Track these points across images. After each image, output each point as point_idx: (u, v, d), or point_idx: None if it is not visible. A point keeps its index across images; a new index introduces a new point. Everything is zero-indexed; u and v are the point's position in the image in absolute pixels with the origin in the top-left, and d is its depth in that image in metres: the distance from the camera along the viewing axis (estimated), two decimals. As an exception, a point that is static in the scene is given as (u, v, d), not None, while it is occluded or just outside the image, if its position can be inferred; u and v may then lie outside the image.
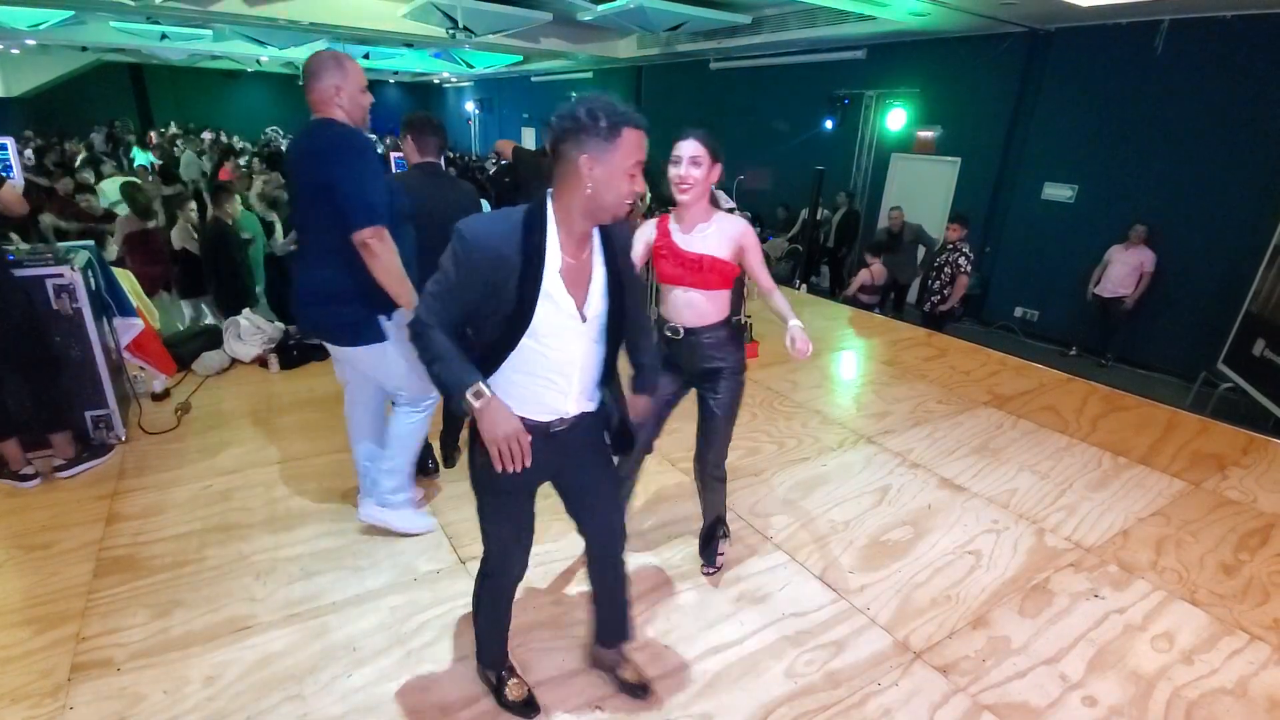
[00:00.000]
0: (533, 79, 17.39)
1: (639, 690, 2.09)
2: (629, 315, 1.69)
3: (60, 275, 3.18)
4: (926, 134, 9.25)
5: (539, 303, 1.51)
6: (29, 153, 11.43)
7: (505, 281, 1.48)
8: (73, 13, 9.68)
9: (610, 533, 1.94)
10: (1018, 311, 8.59)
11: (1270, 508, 3.34)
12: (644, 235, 2.28)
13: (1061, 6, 6.46)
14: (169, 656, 2.19)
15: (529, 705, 2.01)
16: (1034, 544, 2.98)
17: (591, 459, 1.83)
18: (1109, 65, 7.26)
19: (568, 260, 1.53)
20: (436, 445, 3.36)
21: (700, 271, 2.21)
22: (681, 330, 2.31)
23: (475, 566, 2.63)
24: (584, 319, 1.59)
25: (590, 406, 1.74)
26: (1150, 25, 6.76)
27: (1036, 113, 8.05)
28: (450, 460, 3.34)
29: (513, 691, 2.02)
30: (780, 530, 3.00)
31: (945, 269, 6.49)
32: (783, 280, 8.35)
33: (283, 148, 13.69)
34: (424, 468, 3.20)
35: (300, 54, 12.88)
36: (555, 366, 1.60)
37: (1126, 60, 7.09)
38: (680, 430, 2.81)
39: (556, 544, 2.83)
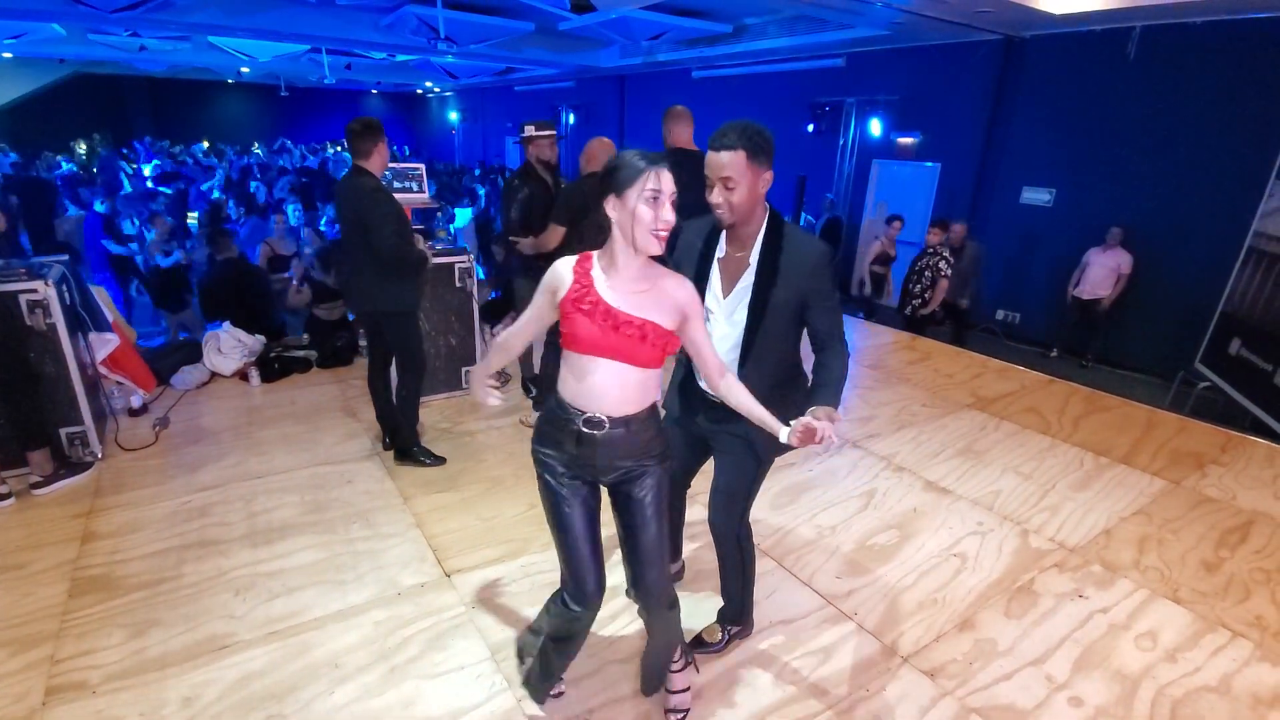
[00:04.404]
0: (516, 89, 17.40)
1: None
2: None
3: (34, 290, 3.13)
4: (906, 140, 9.35)
5: None
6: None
7: None
8: (51, 24, 9.58)
9: None
10: (999, 314, 8.67)
11: (1249, 504, 3.39)
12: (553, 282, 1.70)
13: (1035, 13, 6.56)
14: (146, 678, 2.14)
15: None
16: (1018, 545, 3.00)
17: None
18: (1083, 71, 7.37)
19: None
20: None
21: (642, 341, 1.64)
22: (606, 420, 1.69)
23: (460, 579, 2.62)
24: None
25: None
26: (1122, 32, 6.87)
27: (1014, 118, 8.15)
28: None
29: None
30: (767, 537, 3.00)
31: (926, 273, 6.54)
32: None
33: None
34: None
35: (280, 64, 12.83)
36: None
37: (1100, 66, 7.20)
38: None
39: (544, 554, 2.81)
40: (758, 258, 1.85)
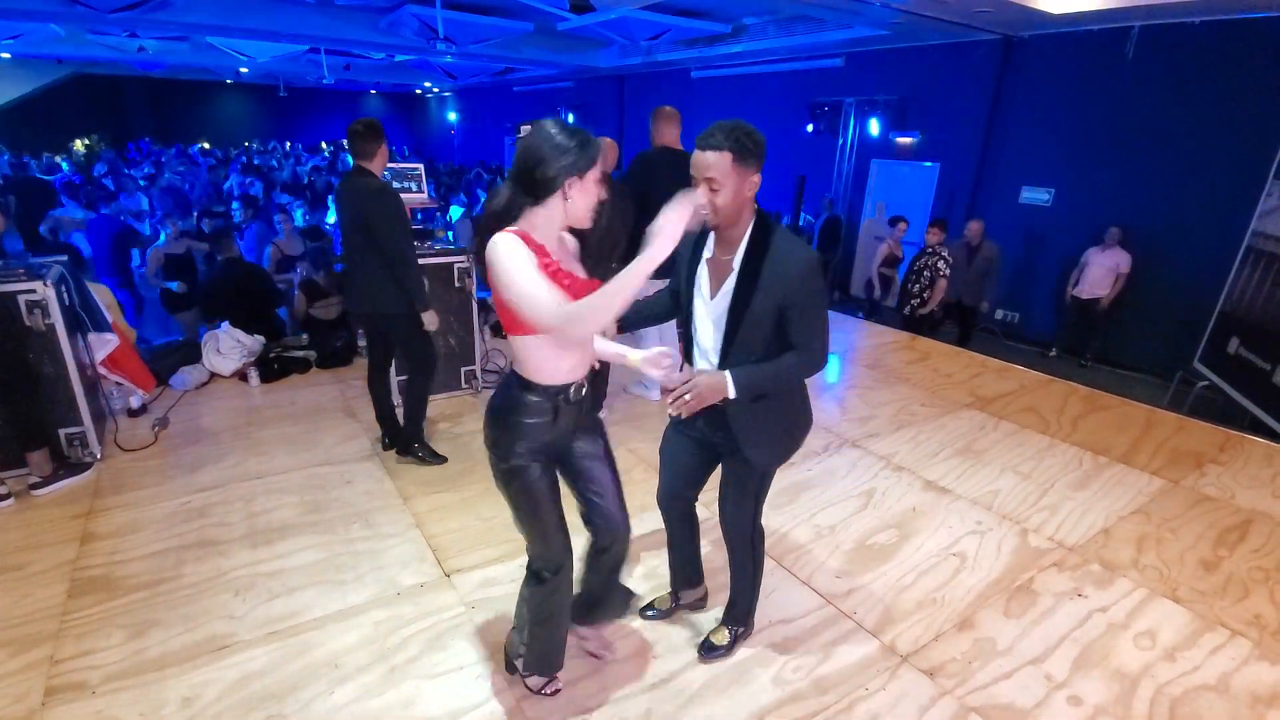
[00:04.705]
0: (515, 89, 17.40)
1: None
2: None
3: (32, 291, 3.13)
4: (905, 140, 9.36)
5: None
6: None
7: None
8: (49, 25, 9.56)
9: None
10: (999, 314, 8.67)
11: (1247, 504, 3.39)
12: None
13: (1034, 13, 6.56)
14: (145, 678, 2.14)
15: None
16: (1017, 544, 3.00)
17: None
18: (1082, 71, 7.38)
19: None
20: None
21: None
22: (585, 385, 1.83)
23: (459, 579, 2.62)
24: None
25: None
26: (1121, 32, 6.88)
27: (1012, 118, 8.16)
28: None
29: None
30: (767, 536, 2.98)
31: (925, 272, 6.55)
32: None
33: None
34: None
35: (279, 65, 12.83)
36: None
37: (1099, 66, 7.21)
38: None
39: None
40: (740, 263, 1.82)
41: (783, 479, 3.49)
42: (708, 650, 2.31)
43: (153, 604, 2.47)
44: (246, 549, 2.81)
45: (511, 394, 1.78)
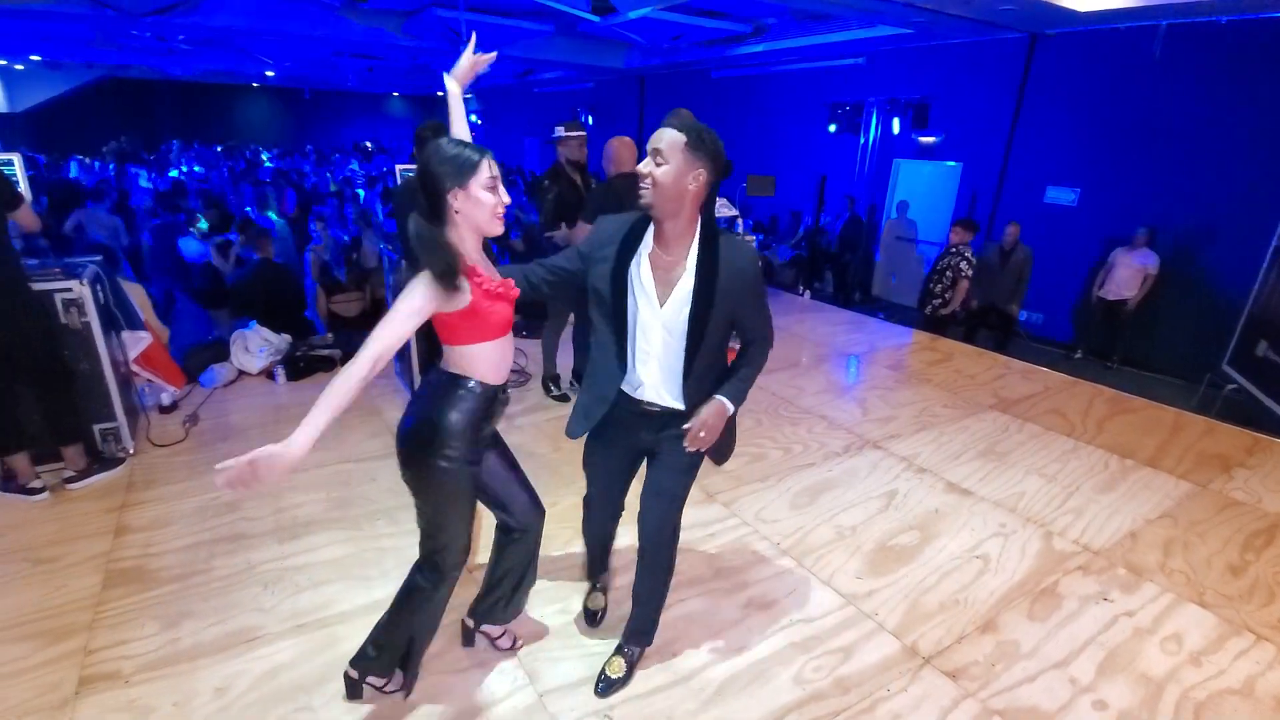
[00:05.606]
0: (535, 90, 17.49)
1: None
2: None
3: (69, 290, 3.21)
4: (927, 139, 9.28)
5: None
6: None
7: None
8: (80, 28, 9.78)
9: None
10: (1022, 315, 8.57)
11: (1275, 508, 3.33)
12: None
13: (1059, 10, 6.49)
14: (178, 668, 2.19)
15: None
16: (1042, 547, 2.98)
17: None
18: (1108, 69, 7.28)
19: None
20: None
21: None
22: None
23: (482, 575, 2.65)
24: None
25: None
26: (1148, 29, 6.78)
27: (1037, 117, 8.06)
28: None
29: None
30: (787, 536, 3.00)
31: (947, 272, 6.50)
32: (788, 287, 8.38)
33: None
34: None
35: (305, 68, 13.00)
36: None
37: (1125, 64, 7.11)
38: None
39: (562, 550, 2.83)
40: (695, 269, 1.80)
41: (803, 479, 3.50)
42: (605, 687, 2.15)
43: (185, 596, 2.53)
44: (275, 543, 2.86)
45: (452, 393, 1.79)
